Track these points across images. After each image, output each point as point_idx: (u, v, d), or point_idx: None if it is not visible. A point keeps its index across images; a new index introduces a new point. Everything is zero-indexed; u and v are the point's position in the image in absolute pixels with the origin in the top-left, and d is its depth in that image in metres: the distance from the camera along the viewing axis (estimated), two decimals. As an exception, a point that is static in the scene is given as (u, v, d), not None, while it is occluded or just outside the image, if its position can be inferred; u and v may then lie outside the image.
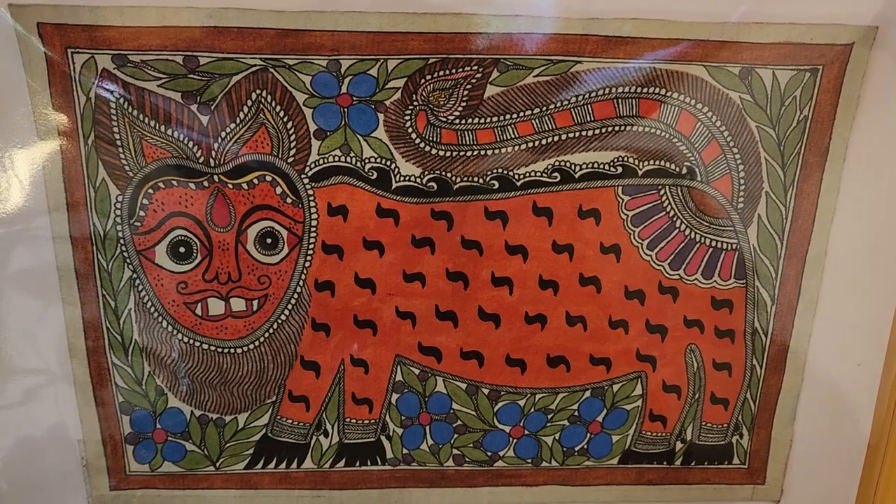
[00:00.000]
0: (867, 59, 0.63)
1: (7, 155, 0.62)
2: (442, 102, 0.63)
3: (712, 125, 0.65)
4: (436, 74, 0.62)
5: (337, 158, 0.64)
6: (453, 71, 0.62)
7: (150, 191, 0.64)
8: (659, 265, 0.69)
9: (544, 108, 0.63)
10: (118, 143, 0.62)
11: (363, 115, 0.63)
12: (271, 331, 0.68)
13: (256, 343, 0.69)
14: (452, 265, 0.67)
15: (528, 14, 0.60)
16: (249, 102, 0.62)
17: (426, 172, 0.65)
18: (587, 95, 0.63)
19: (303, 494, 0.74)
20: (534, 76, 0.62)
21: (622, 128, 0.64)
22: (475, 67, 0.62)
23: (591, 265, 0.68)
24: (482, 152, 0.64)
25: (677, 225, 0.68)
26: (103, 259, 0.66)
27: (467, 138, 0.64)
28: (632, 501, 0.77)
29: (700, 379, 0.73)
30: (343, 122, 0.63)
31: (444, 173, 0.65)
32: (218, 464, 0.73)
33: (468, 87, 0.62)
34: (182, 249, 0.65)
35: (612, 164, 0.66)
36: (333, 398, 0.71)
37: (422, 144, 0.64)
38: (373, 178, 0.65)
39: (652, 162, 0.66)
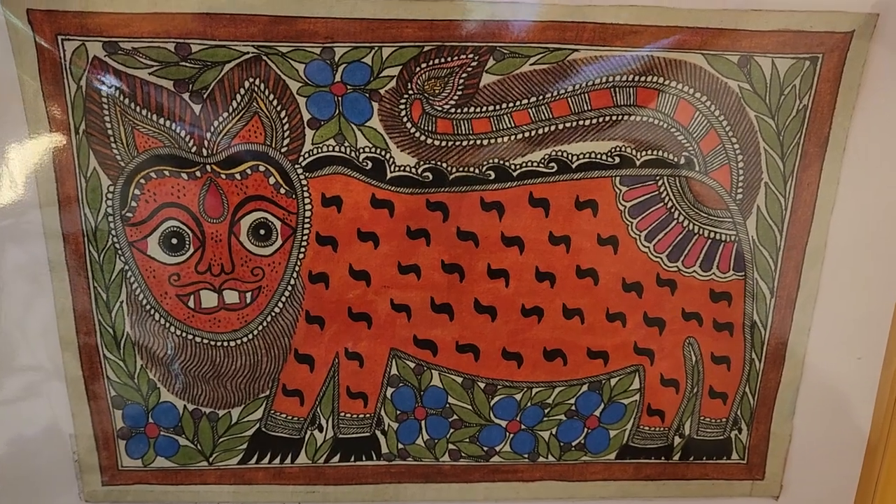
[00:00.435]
0: (867, 47, 0.62)
1: (-3, 145, 0.62)
2: (437, 91, 0.62)
3: (711, 115, 0.64)
4: (431, 62, 0.61)
5: (331, 148, 0.63)
6: (449, 59, 0.61)
7: (142, 181, 0.63)
8: (657, 257, 0.68)
9: (541, 98, 0.63)
10: (109, 132, 0.62)
11: (357, 104, 0.62)
12: (265, 324, 0.68)
13: (250, 336, 0.68)
14: (448, 257, 0.67)
15: (524, 1, 0.59)
16: (242, 91, 0.61)
17: (421, 162, 0.64)
18: (584, 84, 0.63)
19: (297, 490, 0.74)
20: (530, 64, 0.62)
21: (620, 117, 0.64)
22: (471, 55, 0.61)
23: (588, 257, 0.68)
24: (478, 142, 0.64)
25: (675, 216, 0.67)
26: (94, 251, 0.65)
27: (463, 128, 0.63)
28: (629, 497, 0.77)
29: (698, 373, 0.72)
30: (337, 111, 0.62)
31: (439, 163, 0.64)
32: (211, 459, 0.72)
33: (464, 75, 0.62)
34: (174, 241, 0.65)
35: (609, 154, 0.65)
36: (328, 392, 0.70)
37: (417, 134, 0.63)
38: (367, 168, 0.64)
39: (650, 152, 0.65)
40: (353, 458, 0.73)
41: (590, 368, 0.72)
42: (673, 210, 0.67)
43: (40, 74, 0.60)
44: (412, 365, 0.70)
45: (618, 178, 0.66)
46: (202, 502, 0.74)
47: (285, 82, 0.61)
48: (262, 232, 0.65)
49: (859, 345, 0.73)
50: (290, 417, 0.71)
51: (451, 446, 0.74)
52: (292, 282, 0.67)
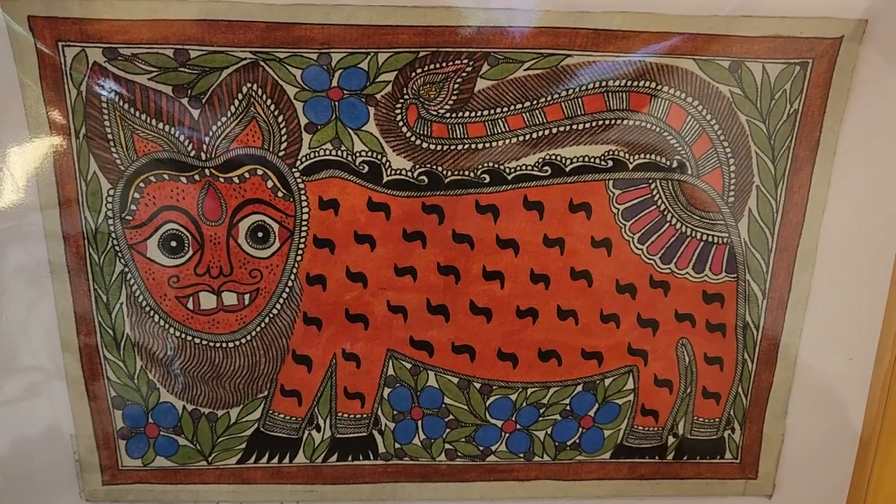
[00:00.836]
0: (857, 52, 0.63)
1: (-1, 150, 0.62)
2: (433, 96, 0.63)
3: (703, 119, 0.65)
4: (426, 68, 0.62)
5: (328, 152, 0.64)
6: (444, 64, 0.62)
7: (142, 185, 0.64)
8: (650, 259, 0.69)
9: (535, 102, 0.64)
10: (109, 136, 0.62)
11: (354, 108, 0.63)
12: (263, 325, 0.68)
13: (248, 337, 0.69)
14: (444, 259, 0.68)
15: (518, 7, 0.60)
16: (240, 96, 0.62)
17: (417, 166, 0.65)
18: (578, 89, 0.63)
19: (295, 489, 0.74)
20: (524, 70, 0.62)
21: (613, 121, 0.65)
22: (465, 61, 0.62)
23: (582, 259, 0.68)
24: (473, 146, 0.65)
25: (668, 219, 0.68)
26: (95, 253, 0.66)
27: (458, 132, 0.64)
28: (624, 496, 0.77)
29: (692, 373, 0.73)
30: (334, 116, 0.63)
31: (435, 167, 0.65)
32: (210, 458, 0.73)
33: (458, 80, 0.62)
34: (174, 243, 0.65)
35: (602, 157, 0.66)
36: (325, 392, 0.71)
37: (413, 138, 0.64)
38: (364, 171, 0.65)
39: (643, 156, 0.66)
40: (350, 458, 0.74)
41: (584, 369, 0.72)
42: (666, 213, 0.68)
43: (41, 80, 0.60)
44: (409, 366, 0.71)
45: (611, 182, 0.66)
46: (201, 501, 0.74)
47: (283, 87, 0.62)
48: (260, 234, 0.66)
49: (851, 345, 0.73)
50: (288, 417, 0.72)
51: (447, 446, 0.74)
52: (290, 283, 0.67)
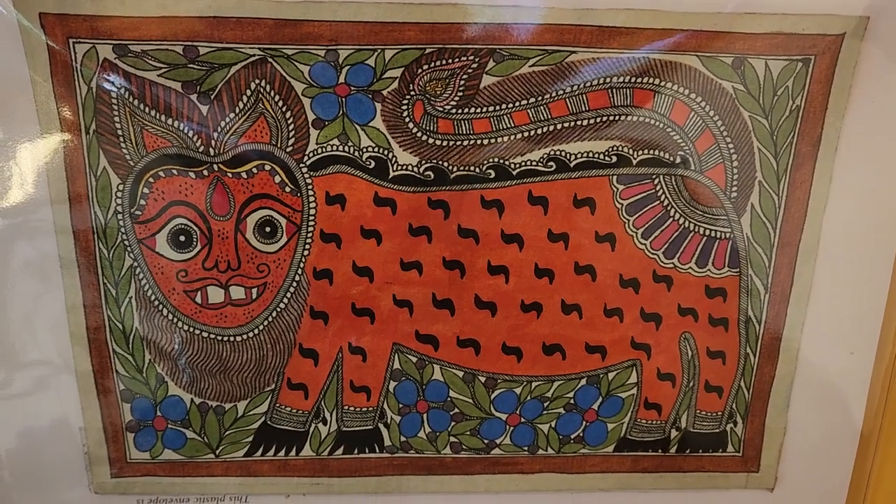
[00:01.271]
0: (858, 48, 0.63)
1: (10, 146, 0.63)
2: (439, 92, 0.63)
3: (706, 115, 0.65)
4: (432, 64, 0.62)
5: (335, 148, 0.65)
6: (450, 61, 0.62)
7: (151, 180, 0.64)
8: (653, 254, 0.69)
9: (540, 98, 0.64)
10: (119, 132, 0.63)
11: (361, 104, 0.63)
12: (270, 319, 0.69)
13: (256, 331, 0.69)
14: (449, 254, 0.68)
15: (523, 5, 0.60)
16: (249, 92, 0.62)
17: (423, 161, 0.65)
18: (582, 85, 0.64)
19: (301, 482, 0.75)
20: (529, 66, 0.63)
21: (617, 117, 0.65)
22: (471, 57, 0.62)
23: (586, 254, 0.69)
24: (478, 141, 0.65)
25: (671, 214, 0.68)
26: (104, 248, 0.66)
27: (464, 128, 0.65)
28: (627, 489, 0.78)
29: (694, 367, 0.74)
30: (341, 112, 0.64)
31: (440, 162, 0.66)
32: (218, 451, 0.73)
33: (464, 76, 0.63)
34: (182, 238, 0.66)
35: (606, 153, 0.66)
36: (332, 386, 0.72)
37: (419, 134, 0.65)
38: (370, 167, 0.65)
39: (646, 151, 0.66)
40: (356, 451, 0.74)
41: (588, 363, 0.73)
42: (669, 208, 0.68)
43: (52, 76, 0.61)
44: (414, 359, 0.72)
45: (615, 177, 0.67)
46: (209, 494, 0.75)
47: (290, 83, 0.62)
48: (267, 229, 0.66)
49: (852, 340, 0.74)
50: (294, 411, 0.72)
51: (452, 439, 0.75)
52: (297, 278, 0.68)
